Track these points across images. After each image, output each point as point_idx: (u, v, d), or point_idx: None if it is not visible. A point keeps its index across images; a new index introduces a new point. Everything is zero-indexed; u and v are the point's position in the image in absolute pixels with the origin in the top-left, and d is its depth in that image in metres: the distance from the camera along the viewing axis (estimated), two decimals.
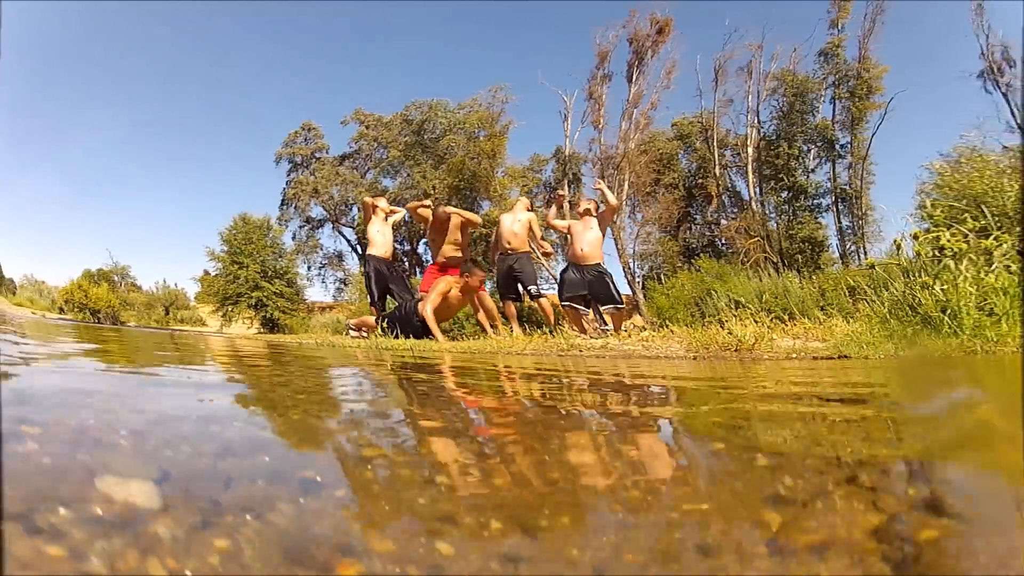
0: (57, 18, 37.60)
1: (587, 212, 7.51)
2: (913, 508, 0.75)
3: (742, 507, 0.75)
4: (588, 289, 7.23)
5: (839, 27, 22.10)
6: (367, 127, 27.82)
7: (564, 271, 7.63)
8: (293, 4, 41.80)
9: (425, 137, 24.74)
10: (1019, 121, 18.59)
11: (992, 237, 3.81)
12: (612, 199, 7.49)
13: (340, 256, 28.83)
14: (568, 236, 7.69)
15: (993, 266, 3.56)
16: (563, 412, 1.58)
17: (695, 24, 37.68)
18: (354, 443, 1.06)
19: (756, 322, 5.45)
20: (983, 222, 4.23)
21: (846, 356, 3.38)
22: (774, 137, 22.62)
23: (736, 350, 4.15)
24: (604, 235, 7.68)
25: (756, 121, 22.75)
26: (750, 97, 22.84)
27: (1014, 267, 3.50)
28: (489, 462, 0.99)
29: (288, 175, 28.88)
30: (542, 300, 7.77)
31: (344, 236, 28.39)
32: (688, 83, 32.00)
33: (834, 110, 21.96)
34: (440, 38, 41.70)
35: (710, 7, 33.36)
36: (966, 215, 4.33)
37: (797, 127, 22.11)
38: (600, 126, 22.88)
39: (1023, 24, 17.99)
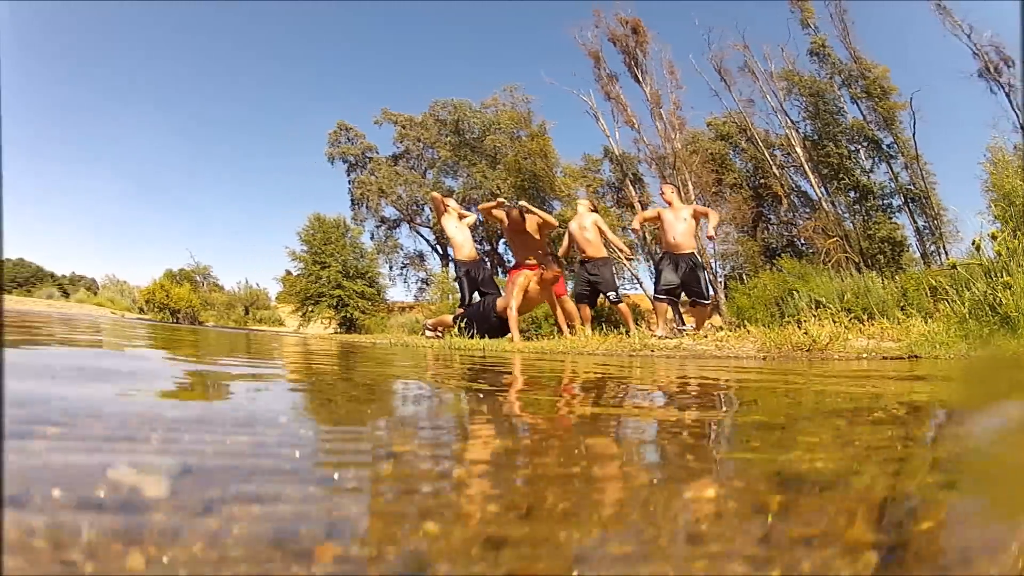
0: (119, 21, 39.97)
1: (672, 197, 7.72)
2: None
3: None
4: (680, 281, 7.35)
5: (812, 27, 21.61)
6: (403, 127, 27.99)
7: (660, 261, 7.71)
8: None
9: (467, 137, 24.78)
10: (1021, 121, 17.87)
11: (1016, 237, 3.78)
12: (711, 231, 7.60)
13: (421, 256, 29.02)
14: (659, 225, 7.76)
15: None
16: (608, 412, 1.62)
17: (665, 24, 37.17)
18: (387, 440, 1.08)
19: (835, 322, 5.42)
20: (1012, 223, 4.17)
21: (916, 356, 3.40)
22: (817, 138, 21.87)
23: (808, 350, 4.19)
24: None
25: (790, 122, 22.08)
26: (768, 97, 22.22)
27: None
28: (522, 456, 1.00)
29: (348, 175, 29.25)
30: (621, 306, 7.92)
31: (423, 236, 28.61)
32: (698, 84, 31.31)
33: (860, 110, 21.23)
34: (444, 39, 42.02)
35: (671, 7, 33.43)
36: (1007, 214, 4.28)
37: (833, 127, 21.43)
38: (635, 126, 22.52)
39: (1021, 26, 17.02)
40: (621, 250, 9.18)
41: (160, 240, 48.58)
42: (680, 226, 7.48)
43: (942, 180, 20.88)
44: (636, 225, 8.23)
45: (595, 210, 8.37)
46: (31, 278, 29.49)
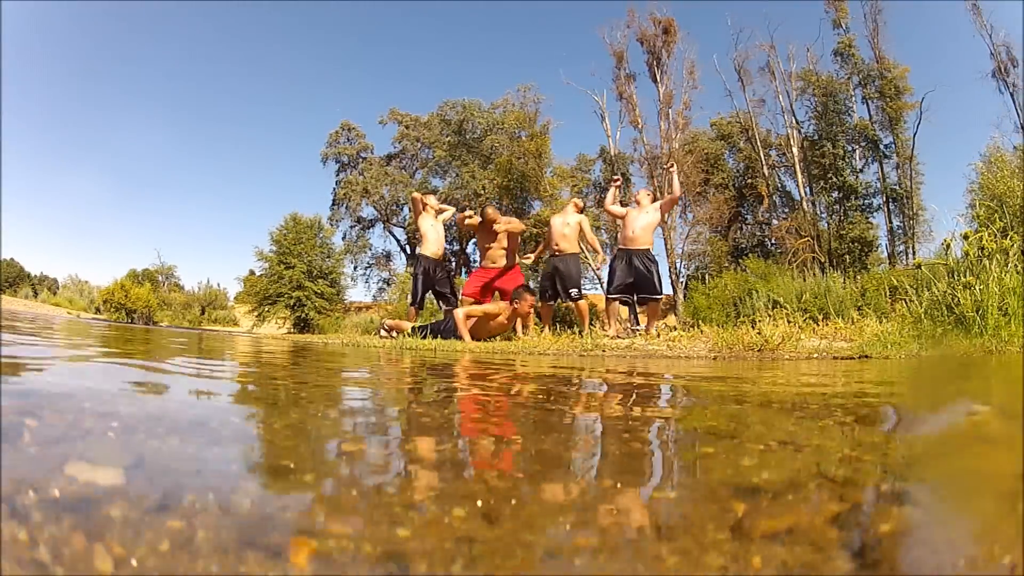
0: (101, 19, 39.00)
1: (644, 199, 7.55)
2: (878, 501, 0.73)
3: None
4: (633, 279, 7.22)
5: (844, 27, 22.09)
6: (407, 127, 27.98)
7: (613, 261, 7.62)
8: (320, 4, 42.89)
9: (468, 137, 24.92)
10: (1022, 121, 18.49)
11: (1007, 237, 3.69)
12: (677, 188, 7.53)
13: (388, 256, 29.03)
14: (621, 222, 7.67)
15: (1008, 266, 3.44)
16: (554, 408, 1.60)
17: (697, 25, 37.66)
18: (335, 437, 1.09)
19: (789, 322, 5.35)
20: (1002, 223, 4.08)
21: (867, 356, 3.31)
22: (816, 137, 22.33)
23: (759, 350, 4.09)
24: (661, 222, 7.72)
25: (795, 122, 22.52)
26: (781, 97, 22.69)
27: (1021, 267, 3.38)
28: (464, 455, 1.00)
29: (337, 175, 29.13)
30: (580, 303, 7.74)
31: (394, 236, 28.60)
32: (715, 83, 31.97)
33: (869, 110, 21.75)
34: (461, 39, 42.08)
35: (707, 7, 33.37)
36: (995, 215, 4.20)
37: (836, 127, 21.91)
38: (639, 126, 22.80)
39: (1023, 24, 17.51)
40: (595, 252, 8.90)
41: (135, 239, 47.76)
42: (642, 220, 7.35)
43: (931, 181, 21.50)
44: (608, 201, 8.04)
45: (582, 211, 8.10)
46: (16, 278, 29.00)
